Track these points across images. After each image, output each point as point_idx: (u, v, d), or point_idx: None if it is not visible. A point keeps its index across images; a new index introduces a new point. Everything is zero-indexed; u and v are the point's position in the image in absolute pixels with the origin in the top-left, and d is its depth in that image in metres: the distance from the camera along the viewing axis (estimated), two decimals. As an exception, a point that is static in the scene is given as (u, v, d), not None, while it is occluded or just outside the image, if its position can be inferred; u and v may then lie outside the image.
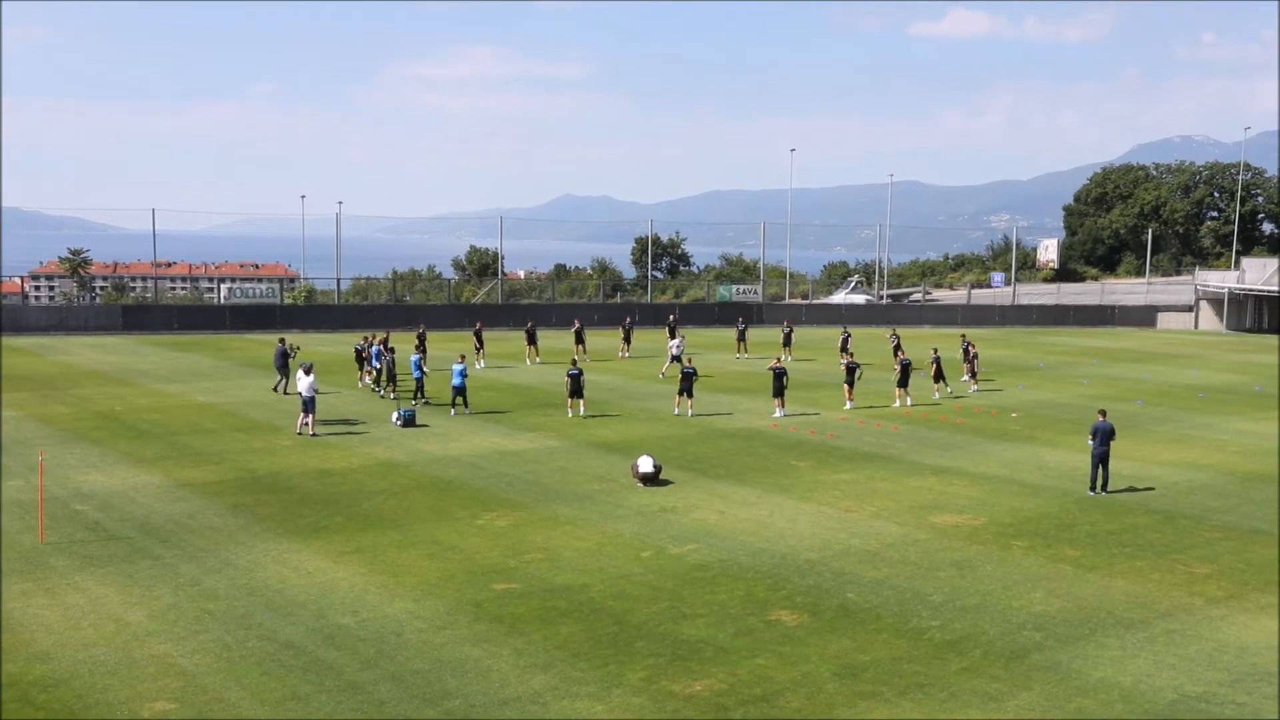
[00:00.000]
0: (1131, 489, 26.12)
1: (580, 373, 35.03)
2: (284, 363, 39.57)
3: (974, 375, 43.36)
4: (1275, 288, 77.50)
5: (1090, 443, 25.39)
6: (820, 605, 17.54)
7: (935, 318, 79.92)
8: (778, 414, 35.69)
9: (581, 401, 34.84)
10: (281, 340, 41.62)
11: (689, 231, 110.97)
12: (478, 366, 45.68)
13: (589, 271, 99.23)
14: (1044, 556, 20.49)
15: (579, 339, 51.54)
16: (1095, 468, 25.44)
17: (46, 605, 16.88)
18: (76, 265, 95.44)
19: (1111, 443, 25.39)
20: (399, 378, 38.55)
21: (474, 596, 17.62)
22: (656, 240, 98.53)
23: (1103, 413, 26.06)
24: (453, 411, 35.11)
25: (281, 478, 25.81)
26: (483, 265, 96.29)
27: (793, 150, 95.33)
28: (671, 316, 57.34)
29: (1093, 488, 25.42)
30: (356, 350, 42.00)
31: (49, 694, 13.81)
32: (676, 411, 35.73)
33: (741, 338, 55.34)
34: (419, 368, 37.05)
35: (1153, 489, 26.25)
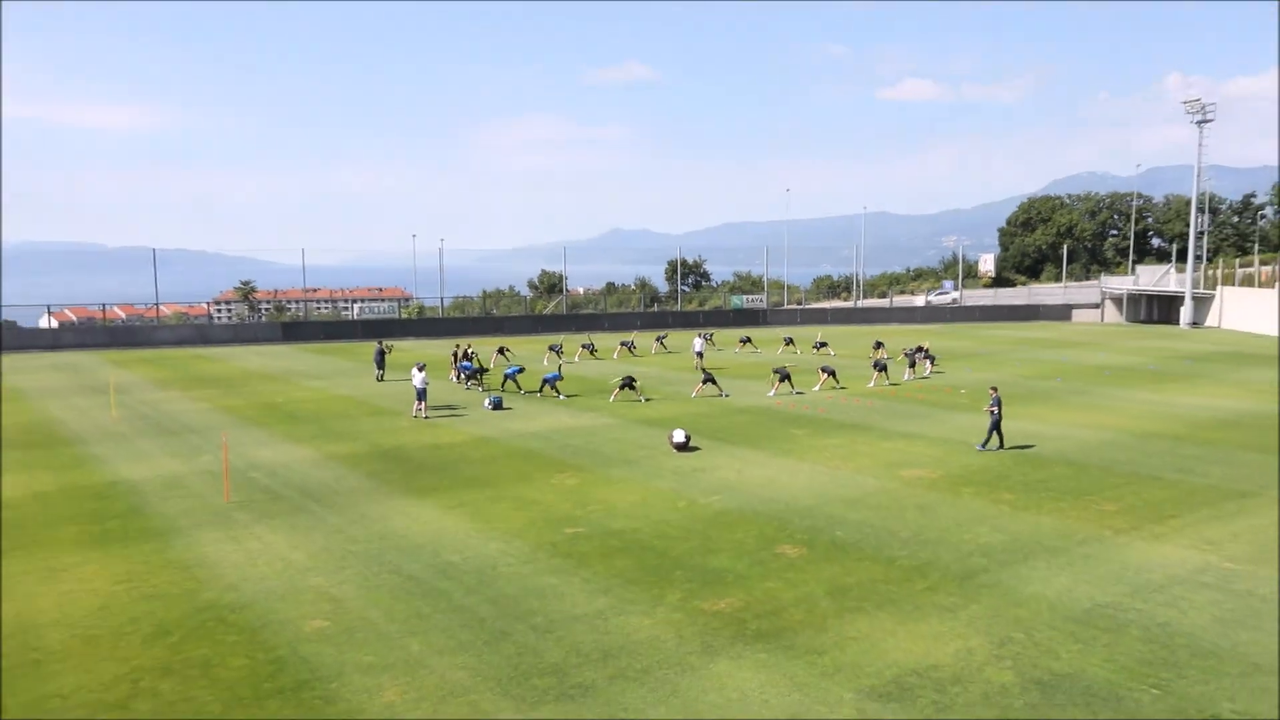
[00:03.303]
0: (1054, 447, 25.93)
1: (632, 378, 35.37)
2: (381, 359, 40.94)
3: (931, 361, 43.19)
4: (1162, 289, 76.77)
5: (993, 411, 25.47)
6: (815, 541, 17.54)
7: (901, 317, 79.43)
8: (770, 394, 35.74)
9: (635, 393, 34.81)
10: (379, 341, 42.93)
11: (709, 255, 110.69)
12: (560, 363, 46.19)
13: (633, 287, 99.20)
14: (987, 500, 20.39)
15: (624, 343, 52.02)
16: (991, 431, 25.49)
17: (233, 549, 17.17)
18: (247, 293, 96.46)
19: (1005, 409, 25.90)
20: (483, 376, 38.88)
21: (550, 538, 17.75)
22: (684, 262, 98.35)
23: (994, 389, 26.29)
24: (539, 394, 35.69)
25: (402, 450, 26.05)
26: (551, 284, 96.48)
27: (788, 190, 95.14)
28: (710, 335, 56.62)
29: (984, 446, 25.44)
30: (453, 354, 42.40)
31: (237, 614, 14.06)
32: (695, 394, 35.77)
33: (746, 340, 55.71)
34: (514, 372, 37.22)
35: (1070, 446, 26.06)
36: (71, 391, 38.54)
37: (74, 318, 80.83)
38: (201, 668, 12.38)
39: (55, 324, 69.65)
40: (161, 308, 69.74)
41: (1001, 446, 25.41)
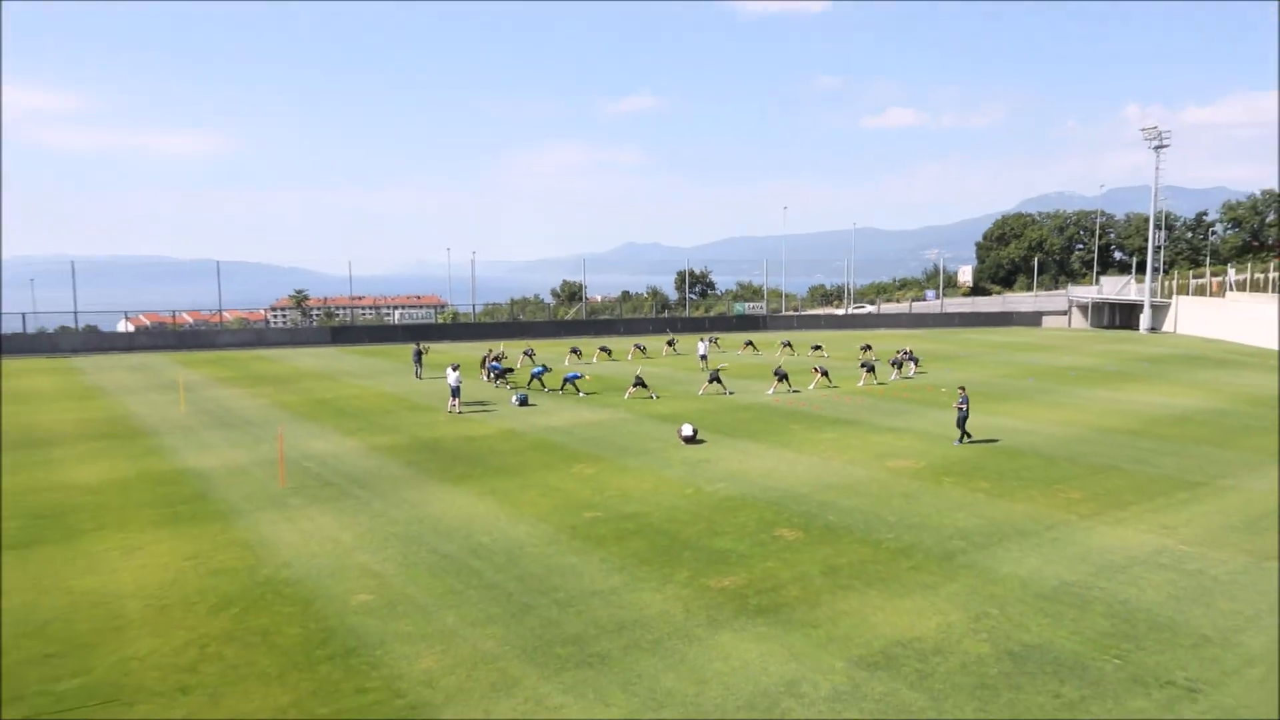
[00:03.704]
0: (1025, 440, 25.84)
1: (640, 376, 35.42)
2: (419, 359, 41.57)
3: (915, 363, 43.07)
4: (1123, 298, 76.37)
5: (960, 405, 25.34)
6: (810, 524, 17.53)
7: (888, 323, 79.23)
8: (770, 392, 35.73)
9: (647, 390, 34.91)
10: (417, 343, 43.27)
11: (715, 266, 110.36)
12: (580, 363, 46.16)
13: (645, 295, 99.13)
14: (965, 488, 20.34)
15: (638, 347, 52.08)
16: (960, 427, 25.37)
17: (287, 529, 17.26)
18: (300, 300, 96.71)
19: (969, 407, 25.65)
20: (510, 376, 38.93)
21: (571, 522, 17.78)
22: (692, 273, 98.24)
23: (962, 388, 26.11)
24: (560, 391, 35.65)
25: (439, 442, 26.12)
26: (571, 293, 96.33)
27: (785, 208, 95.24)
28: (714, 338, 57.32)
29: (960, 441, 25.24)
30: (485, 355, 42.49)
31: (292, 588, 14.14)
32: (702, 392, 35.78)
33: (749, 344, 55.76)
34: (539, 372, 37.32)
35: (1040, 439, 25.96)
36: (146, 389, 38.79)
37: (147, 323, 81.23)
38: (261, 635, 12.47)
39: (131, 329, 70.06)
40: (224, 314, 70.02)
41: (970, 440, 25.29)
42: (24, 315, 59.13)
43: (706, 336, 52.92)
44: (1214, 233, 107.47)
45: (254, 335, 63.77)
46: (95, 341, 58.55)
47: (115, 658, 11.84)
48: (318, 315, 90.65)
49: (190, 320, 77.72)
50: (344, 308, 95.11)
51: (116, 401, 34.78)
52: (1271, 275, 68.94)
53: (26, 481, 21.40)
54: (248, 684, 11.10)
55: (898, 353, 44.26)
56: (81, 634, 12.59)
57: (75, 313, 60.83)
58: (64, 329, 60.33)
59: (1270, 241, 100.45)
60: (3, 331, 56.25)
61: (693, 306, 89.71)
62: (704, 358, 45.83)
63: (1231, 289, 71.72)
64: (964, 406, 25.28)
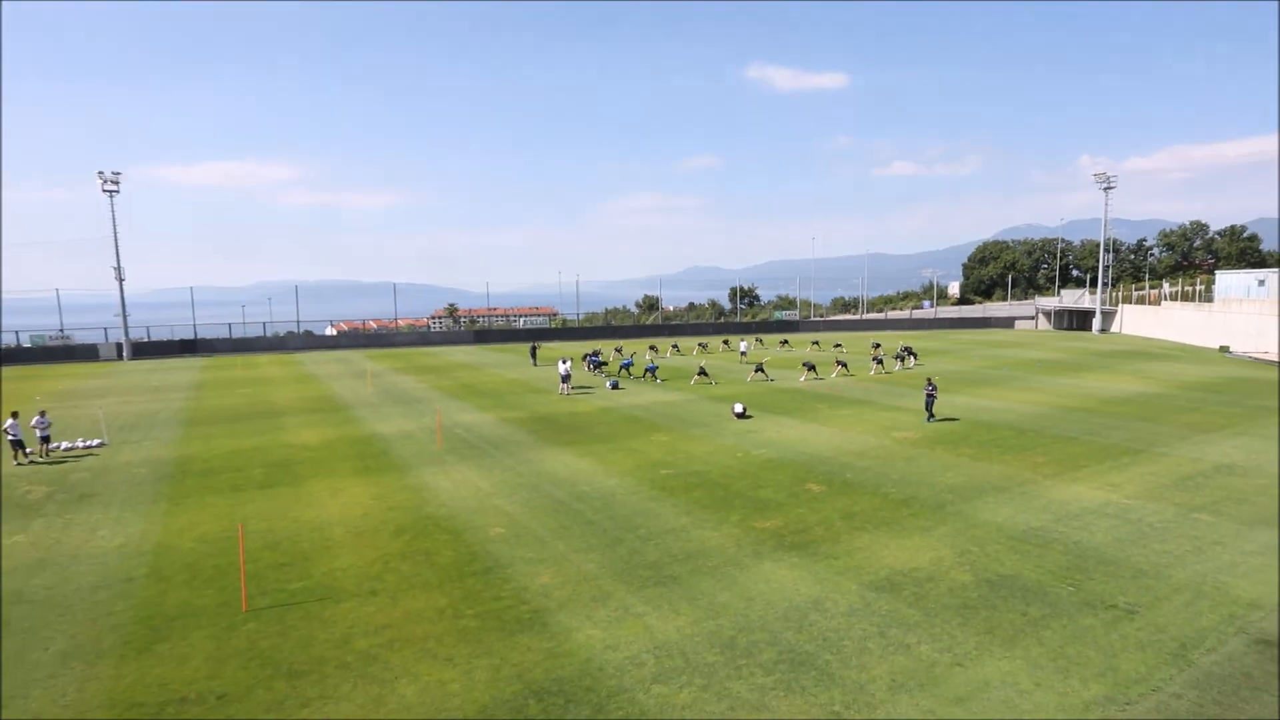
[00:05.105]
0: (1000, 417, 24.94)
1: (703, 367, 35.18)
2: (534, 354, 42.06)
3: (914, 356, 41.89)
4: (1079, 306, 73.09)
5: (929, 391, 24.54)
6: (832, 481, 17.27)
7: (894, 325, 77.17)
8: (801, 379, 35.15)
9: (707, 379, 34.70)
10: (533, 343, 43.55)
11: (759, 283, 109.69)
12: (657, 357, 46.12)
13: (706, 306, 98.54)
14: (953, 454, 19.76)
15: (700, 344, 51.71)
16: (928, 407, 24.47)
17: (444, 480, 17.70)
18: (452, 311, 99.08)
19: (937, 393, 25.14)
20: (606, 366, 39.09)
21: (650, 476, 17.83)
22: (741, 289, 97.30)
23: (929, 379, 25.36)
24: (642, 378, 35.64)
25: (552, 416, 26.43)
26: (650, 304, 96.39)
27: (814, 238, 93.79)
28: (758, 339, 56.76)
29: (929, 419, 24.28)
30: (584, 355, 42.80)
31: (447, 522, 14.53)
32: (750, 379, 35.39)
33: (784, 342, 54.78)
34: (626, 364, 37.50)
35: (1012, 416, 25.03)
36: (345, 375, 40.20)
37: (346, 328, 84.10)
38: (425, 555, 12.86)
39: (335, 332, 72.60)
40: (399, 321, 72.06)
41: (934, 419, 24.32)
42: (264, 324, 61.89)
43: (751, 338, 52.43)
44: (1152, 255, 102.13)
45: (419, 337, 65.46)
46: (311, 342, 60.88)
47: (326, 568, 12.37)
48: (464, 322, 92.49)
49: (375, 326, 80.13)
50: (483, 316, 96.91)
51: (325, 385, 36.13)
52: (1198, 288, 65.13)
53: (268, 441, 22.43)
54: (416, 590, 11.48)
55: (900, 348, 43.15)
56: (304, 550, 13.17)
57: (298, 321, 63.40)
58: (290, 333, 62.93)
59: (1197, 261, 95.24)
60: (1, 345, 50.81)
61: (742, 314, 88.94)
62: (744, 353, 45.37)
63: (1166, 299, 67.98)
64: (934, 393, 24.48)
